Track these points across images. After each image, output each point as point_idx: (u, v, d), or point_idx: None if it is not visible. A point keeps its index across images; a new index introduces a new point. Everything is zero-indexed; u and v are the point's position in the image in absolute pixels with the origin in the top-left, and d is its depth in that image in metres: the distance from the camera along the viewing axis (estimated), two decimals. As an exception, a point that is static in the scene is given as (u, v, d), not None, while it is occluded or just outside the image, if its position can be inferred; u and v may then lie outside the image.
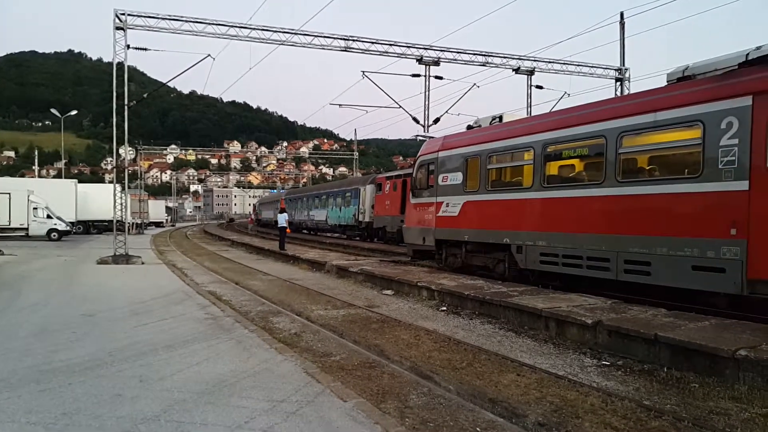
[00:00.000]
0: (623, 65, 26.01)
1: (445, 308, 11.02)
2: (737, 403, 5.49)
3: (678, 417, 5.13)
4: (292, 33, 22.08)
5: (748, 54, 8.13)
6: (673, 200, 8.95)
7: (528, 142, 12.06)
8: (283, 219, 26.68)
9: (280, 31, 22.01)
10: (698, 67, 9.01)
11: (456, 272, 14.44)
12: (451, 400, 5.53)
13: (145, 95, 26.21)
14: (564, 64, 25.62)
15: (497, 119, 13.92)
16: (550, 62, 25.43)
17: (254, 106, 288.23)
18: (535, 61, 25.24)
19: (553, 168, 11.72)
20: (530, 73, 25.22)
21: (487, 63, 24.52)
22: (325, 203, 42.58)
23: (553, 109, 16.98)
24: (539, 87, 25.84)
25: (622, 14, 25.10)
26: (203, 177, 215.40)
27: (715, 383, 6.04)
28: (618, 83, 26.20)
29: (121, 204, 22.80)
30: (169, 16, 20.76)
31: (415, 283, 12.74)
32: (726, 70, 8.40)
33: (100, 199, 42.68)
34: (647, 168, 9.97)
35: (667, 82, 9.53)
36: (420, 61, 23.48)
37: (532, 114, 20.51)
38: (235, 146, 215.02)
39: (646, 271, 9.26)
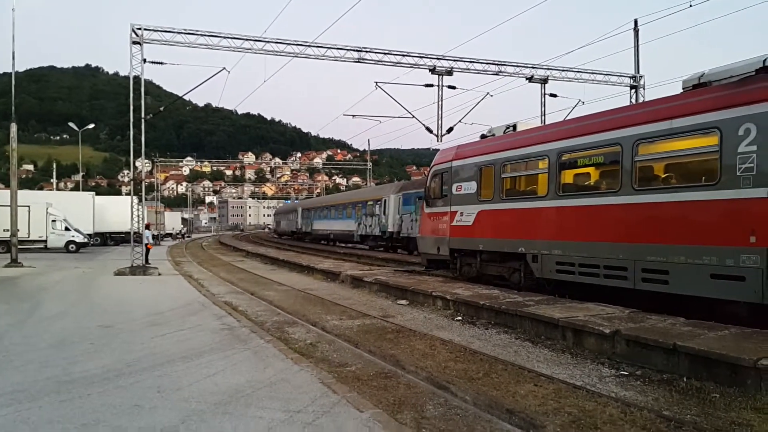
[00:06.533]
0: (638, 73, 25.87)
1: (460, 318, 10.98)
2: (760, 413, 5.40)
3: (699, 428, 5.06)
4: (305, 45, 22.24)
5: (765, 60, 8.06)
6: (691, 208, 8.86)
7: (542, 150, 12.02)
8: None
9: (294, 44, 22.20)
10: (714, 73, 8.93)
11: (471, 282, 14.38)
12: (467, 411, 5.50)
13: (161, 108, 26.64)
14: (578, 72, 25.52)
15: (511, 128, 13.89)
16: (564, 70, 25.35)
17: (268, 118, 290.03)
18: (548, 69, 25.18)
19: (568, 176, 11.67)
20: (544, 81, 25.15)
21: (501, 72, 24.51)
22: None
23: (568, 118, 16.93)
24: (553, 95, 25.76)
25: (636, 21, 25.04)
26: (218, 188, 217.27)
27: (736, 393, 5.95)
28: (633, 91, 26.03)
29: (138, 216, 23.04)
30: (185, 30, 21.02)
31: (430, 292, 12.71)
32: (743, 77, 8.33)
33: (117, 211, 43.33)
34: (664, 176, 9.90)
35: (683, 89, 9.46)
36: (433, 71, 23.52)
37: (547, 122, 20.43)
38: (249, 158, 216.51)
39: (664, 279, 9.17)
